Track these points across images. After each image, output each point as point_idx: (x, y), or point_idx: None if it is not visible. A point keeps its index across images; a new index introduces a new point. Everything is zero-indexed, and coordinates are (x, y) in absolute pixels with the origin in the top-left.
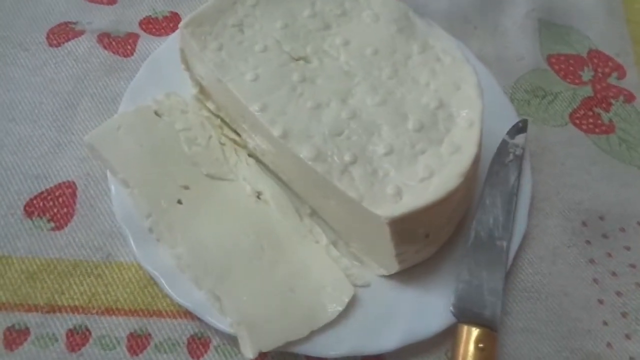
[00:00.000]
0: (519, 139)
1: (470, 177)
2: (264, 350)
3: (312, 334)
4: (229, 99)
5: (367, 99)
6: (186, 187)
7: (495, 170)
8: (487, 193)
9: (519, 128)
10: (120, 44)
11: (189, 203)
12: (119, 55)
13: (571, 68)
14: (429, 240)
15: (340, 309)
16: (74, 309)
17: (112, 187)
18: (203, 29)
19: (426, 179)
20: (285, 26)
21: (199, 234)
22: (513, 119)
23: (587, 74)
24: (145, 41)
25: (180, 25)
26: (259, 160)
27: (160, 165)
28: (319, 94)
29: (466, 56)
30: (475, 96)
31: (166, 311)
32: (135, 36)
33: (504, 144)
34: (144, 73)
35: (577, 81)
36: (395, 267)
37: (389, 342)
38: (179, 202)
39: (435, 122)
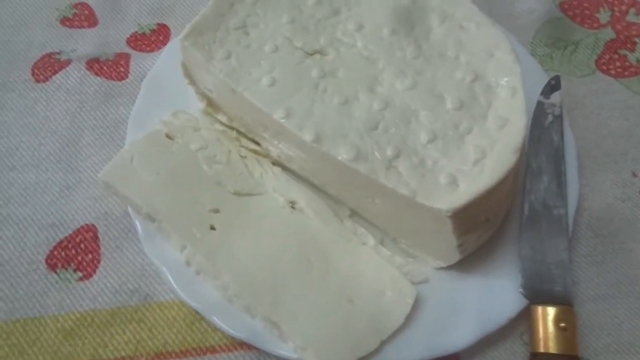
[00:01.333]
0: (555, 97)
1: (523, 148)
2: None
3: (382, 344)
4: (246, 108)
5: (396, 84)
6: (216, 211)
7: (537, 135)
8: (533, 161)
9: (552, 85)
10: (112, 68)
11: (223, 227)
12: (113, 79)
13: (586, 12)
14: (488, 225)
15: (406, 311)
16: None
17: (137, 224)
18: (205, 38)
19: (479, 160)
20: (292, 20)
21: (241, 259)
22: (542, 77)
23: (604, 16)
24: (137, 60)
25: (180, 37)
26: (285, 168)
27: (183, 191)
28: (343, 88)
29: None
30: (512, 61)
31: (220, 345)
32: (126, 56)
33: (539, 105)
34: (144, 95)
35: (595, 25)
36: (455, 258)
37: (463, 337)
38: (212, 227)
39: (474, 96)
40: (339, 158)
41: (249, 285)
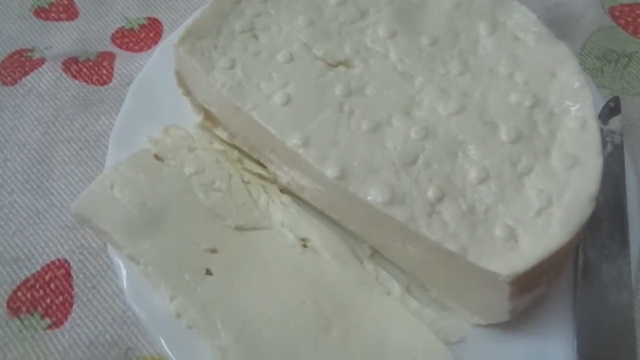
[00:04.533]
0: (614, 123)
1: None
2: None
3: None
4: (252, 129)
5: (438, 108)
6: (213, 250)
7: None
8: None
9: (612, 109)
10: (93, 70)
11: (221, 271)
12: (94, 83)
13: (639, 19)
14: (547, 282)
15: None
16: None
17: (120, 264)
18: (205, 43)
19: (544, 209)
20: (310, 22)
21: (243, 315)
22: (597, 98)
23: None
24: (123, 61)
25: (175, 43)
26: (295, 197)
27: (174, 227)
28: (374, 110)
29: None
30: (580, 84)
31: None
32: (110, 56)
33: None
34: (130, 104)
35: None
36: (502, 318)
37: None
38: (209, 272)
39: (534, 125)
40: (369, 199)
41: (253, 349)
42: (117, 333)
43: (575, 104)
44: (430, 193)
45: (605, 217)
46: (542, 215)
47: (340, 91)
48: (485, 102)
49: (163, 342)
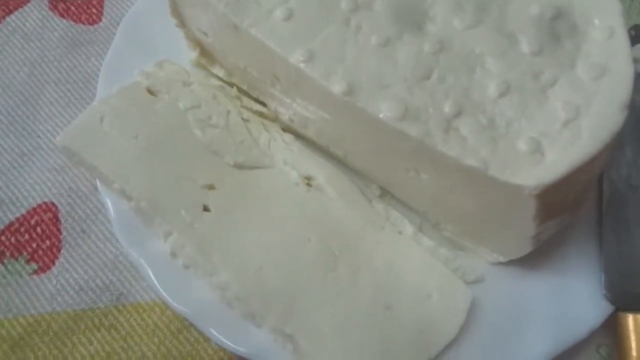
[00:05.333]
0: (636, 50)
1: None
2: None
3: None
4: (252, 53)
5: (453, 21)
6: (211, 187)
7: None
8: None
9: (633, 37)
10: (81, 8)
11: (219, 208)
12: (83, 23)
13: None
14: (573, 207)
15: (461, 321)
16: None
17: (109, 203)
18: None
19: (572, 120)
20: None
21: (244, 250)
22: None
23: None
24: (112, 3)
25: None
26: (298, 135)
27: (168, 161)
28: (383, 24)
29: None
30: None
31: None
32: None
33: None
34: (121, 40)
35: None
36: (523, 251)
37: (532, 354)
38: (206, 208)
39: (557, 38)
40: (381, 116)
41: (254, 285)
42: (108, 278)
43: (601, 15)
44: (447, 108)
45: (630, 146)
46: (569, 127)
47: (346, 5)
48: (503, 15)
49: (157, 283)
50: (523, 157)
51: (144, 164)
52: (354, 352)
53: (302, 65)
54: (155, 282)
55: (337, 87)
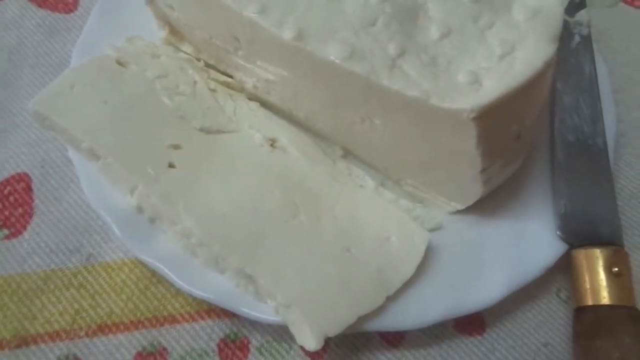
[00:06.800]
0: (581, 15)
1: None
2: (332, 334)
3: (388, 302)
4: (212, 19)
5: None
6: (176, 147)
7: (563, 57)
8: (562, 87)
9: (577, 3)
10: None
11: (184, 165)
12: (59, 11)
13: None
14: (518, 145)
15: (417, 261)
16: (54, 336)
17: (76, 164)
18: None
19: (507, 54)
20: None
21: (207, 200)
22: None
23: None
24: None
25: None
26: (263, 103)
27: (135, 123)
28: None
29: None
30: None
31: (182, 314)
32: None
33: (564, 24)
34: (95, 22)
35: None
36: (477, 192)
37: (490, 292)
38: (171, 165)
39: None
40: (331, 57)
41: (217, 230)
42: (78, 241)
43: None
44: (391, 49)
45: (579, 102)
46: (505, 60)
47: None
48: None
49: (121, 235)
50: (462, 87)
51: (112, 125)
52: (313, 290)
53: (254, 16)
54: (119, 235)
55: (287, 34)
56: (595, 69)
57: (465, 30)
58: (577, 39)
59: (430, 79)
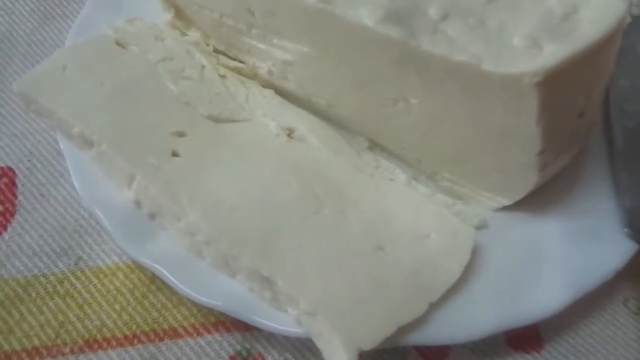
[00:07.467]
0: None
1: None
2: (366, 348)
3: (431, 308)
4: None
5: None
6: (181, 134)
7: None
8: (616, 70)
9: None
10: None
11: (190, 153)
12: None
13: None
14: (580, 125)
15: (464, 261)
16: (33, 354)
17: (66, 154)
18: None
19: (570, 15)
20: None
21: (215, 191)
22: None
23: None
24: None
25: None
26: (279, 91)
27: (134, 108)
28: None
29: None
30: None
31: (185, 327)
32: None
33: None
34: (93, 3)
35: None
36: (529, 183)
37: (548, 301)
38: (175, 154)
39: None
40: (363, 21)
41: (226, 225)
42: (66, 242)
43: None
44: (432, 11)
45: (636, 86)
46: (568, 20)
47: None
48: None
49: (113, 234)
50: (519, 51)
51: (108, 109)
52: (342, 292)
53: None
54: (112, 233)
55: None
56: None
57: None
58: (628, 19)
59: (480, 43)
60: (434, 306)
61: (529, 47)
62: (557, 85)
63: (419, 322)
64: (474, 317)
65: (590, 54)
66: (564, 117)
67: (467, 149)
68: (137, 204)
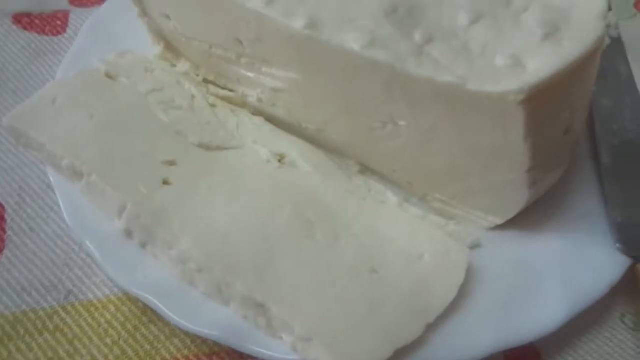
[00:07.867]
0: (609, 17)
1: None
2: None
3: (428, 329)
4: (213, 22)
5: None
6: (171, 163)
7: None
8: (599, 90)
9: None
10: (46, 21)
11: (181, 181)
12: (47, 34)
13: None
14: (566, 141)
15: (459, 280)
16: None
17: (56, 187)
18: None
19: (551, 34)
20: None
21: (207, 218)
22: None
23: None
24: (78, 15)
25: None
26: (268, 118)
27: (124, 138)
28: None
29: None
30: None
31: (179, 359)
32: (65, 11)
33: None
34: (84, 38)
35: None
36: (520, 201)
37: (546, 318)
38: (166, 182)
39: None
40: (350, 46)
41: (219, 252)
42: (56, 277)
43: None
44: (417, 36)
45: (620, 105)
46: (550, 39)
47: None
48: None
49: (106, 266)
50: (503, 70)
51: (97, 140)
52: (337, 317)
53: (261, 7)
54: (106, 268)
55: (298, 22)
56: (631, 70)
57: (498, 15)
58: (607, 41)
59: (464, 64)
60: (431, 328)
61: (512, 66)
62: (542, 103)
63: (416, 344)
64: (471, 338)
65: (572, 70)
66: (550, 133)
67: (457, 169)
68: (128, 233)
